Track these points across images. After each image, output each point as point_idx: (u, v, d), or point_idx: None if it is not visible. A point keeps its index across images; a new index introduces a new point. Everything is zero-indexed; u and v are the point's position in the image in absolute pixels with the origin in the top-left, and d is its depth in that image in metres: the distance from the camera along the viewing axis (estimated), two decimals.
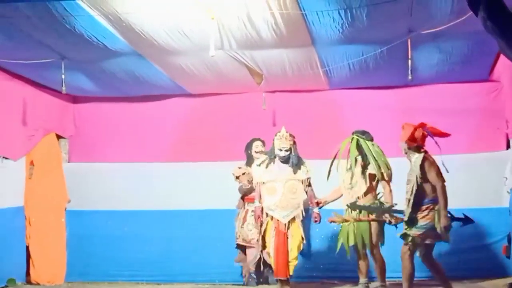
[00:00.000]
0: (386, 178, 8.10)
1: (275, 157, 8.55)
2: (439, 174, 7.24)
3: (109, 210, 10.24)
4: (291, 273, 8.40)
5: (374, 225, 8.12)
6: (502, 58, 8.66)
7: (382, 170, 8.07)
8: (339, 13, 6.93)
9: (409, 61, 8.00)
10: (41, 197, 9.99)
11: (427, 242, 7.28)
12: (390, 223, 7.84)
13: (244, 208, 9.32)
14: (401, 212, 7.57)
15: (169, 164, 10.34)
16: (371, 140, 8.27)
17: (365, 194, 8.17)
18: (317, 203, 8.43)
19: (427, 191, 7.24)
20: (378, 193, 8.20)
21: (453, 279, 8.84)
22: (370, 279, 8.52)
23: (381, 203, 7.99)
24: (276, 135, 8.58)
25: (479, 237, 8.98)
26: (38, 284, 9.79)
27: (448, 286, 7.47)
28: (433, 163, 7.27)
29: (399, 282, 8.58)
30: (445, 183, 7.26)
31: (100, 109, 10.69)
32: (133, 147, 10.55)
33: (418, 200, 7.23)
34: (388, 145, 9.24)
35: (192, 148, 10.33)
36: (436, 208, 7.18)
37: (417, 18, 7.20)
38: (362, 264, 8.25)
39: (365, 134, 8.30)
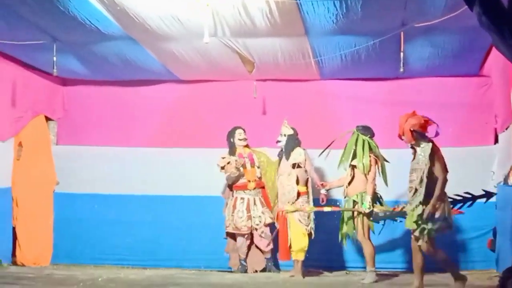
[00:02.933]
0: (365, 172, 8.33)
1: (281, 153, 9.17)
2: (444, 166, 7.15)
3: (97, 194, 10.23)
4: (298, 258, 8.78)
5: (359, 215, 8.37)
6: (493, 53, 8.72)
7: (363, 164, 8.31)
8: (334, 3, 6.97)
9: (402, 54, 8.04)
10: (29, 178, 9.98)
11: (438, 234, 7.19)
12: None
13: (233, 196, 9.37)
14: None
15: (157, 149, 10.32)
16: (371, 135, 8.46)
17: (349, 184, 8.46)
18: (322, 185, 8.75)
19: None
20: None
21: (438, 271, 8.97)
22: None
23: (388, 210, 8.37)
24: None
25: (466, 230, 9.06)
26: (23, 265, 9.78)
27: (455, 271, 7.42)
28: (440, 154, 7.19)
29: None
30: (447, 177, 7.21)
31: (89, 93, 10.63)
32: (121, 131, 10.51)
33: (430, 192, 7.03)
34: (377, 136, 9.31)
35: (181, 134, 10.32)
36: (445, 198, 7.09)
37: (411, 11, 7.25)
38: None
39: (365, 129, 8.53)
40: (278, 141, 9.12)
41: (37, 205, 10.08)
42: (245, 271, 9.30)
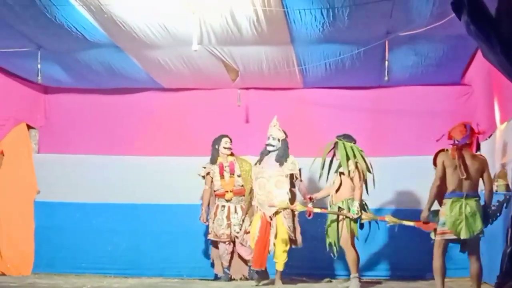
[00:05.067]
0: (351, 176, 8.23)
1: (267, 153, 8.78)
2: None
3: (78, 202, 10.17)
4: (279, 268, 8.63)
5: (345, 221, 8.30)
6: (475, 62, 8.82)
7: (349, 169, 8.21)
8: (321, 12, 7.01)
9: (386, 63, 8.09)
10: (9, 187, 9.90)
11: (451, 237, 6.95)
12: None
13: (215, 203, 9.38)
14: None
15: (139, 157, 10.28)
16: (354, 143, 8.42)
17: (337, 191, 8.36)
18: (310, 199, 8.54)
19: (447, 185, 7.05)
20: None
21: (419, 278, 9.06)
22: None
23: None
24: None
25: None
26: (4, 274, 9.68)
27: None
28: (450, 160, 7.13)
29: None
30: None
31: (71, 100, 10.59)
32: (103, 140, 10.46)
33: (439, 194, 7.10)
34: (360, 144, 9.36)
35: (164, 142, 10.30)
36: (445, 202, 6.99)
37: (397, 20, 7.31)
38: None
39: (347, 137, 8.43)
40: (270, 145, 8.75)
41: (17, 214, 9.99)
42: (229, 279, 9.29)
